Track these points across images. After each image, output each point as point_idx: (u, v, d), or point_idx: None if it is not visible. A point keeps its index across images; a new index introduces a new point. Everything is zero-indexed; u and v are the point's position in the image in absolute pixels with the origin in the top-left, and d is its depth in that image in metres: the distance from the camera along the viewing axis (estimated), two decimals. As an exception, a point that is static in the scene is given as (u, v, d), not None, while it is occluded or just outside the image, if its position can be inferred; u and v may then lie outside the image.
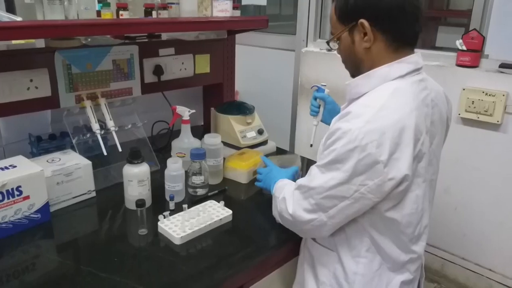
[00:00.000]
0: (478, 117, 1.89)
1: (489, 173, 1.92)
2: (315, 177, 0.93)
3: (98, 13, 1.27)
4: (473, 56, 1.90)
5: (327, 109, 1.37)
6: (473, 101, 1.89)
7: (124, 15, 1.27)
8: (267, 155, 1.51)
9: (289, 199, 1.01)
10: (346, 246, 0.99)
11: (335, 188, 0.90)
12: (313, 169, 0.96)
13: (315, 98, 1.38)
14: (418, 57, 0.96)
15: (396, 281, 1.00)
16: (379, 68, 0.94)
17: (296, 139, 2.68)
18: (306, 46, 2.56)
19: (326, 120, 1.38)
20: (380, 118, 0.86)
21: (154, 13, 1.38)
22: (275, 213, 1.13)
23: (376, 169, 0.86)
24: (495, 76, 1.84)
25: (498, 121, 1.83)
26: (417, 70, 0.95)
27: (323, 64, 2.42)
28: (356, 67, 0.99)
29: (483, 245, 2.01)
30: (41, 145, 1.42)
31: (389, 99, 0.89)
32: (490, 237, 1.98)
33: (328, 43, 1.02)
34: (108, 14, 1.24)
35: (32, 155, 1.41)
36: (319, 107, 1.38)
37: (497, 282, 1.99)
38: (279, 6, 3.37)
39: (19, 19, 1.07)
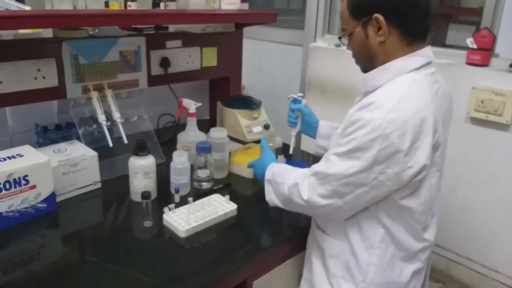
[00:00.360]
0: (487, 117, 1.86)
1: (497, 173, 1.90)
2: (334, 164, 0.94)
3: (106, 4, 1.26)
4: (483, 55, 1.88)
5: (305, 120, 1.38)
6: (482, 101, 1.86)
7: (132, 6, 1.27)
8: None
9: (303, 185, 1.01)
10: (359, 237, 1.00)
11: (354, 176, 0.91)
12: (331, 156, 0.95)
13: (292, 110, 1.38)
14: (429, 50, 0.98)
15: (408, 271, 1.02)
16: (394, 61, 0.95)
17: (302, 135, 2.66)
18: (315, 41, 2.54)
19: (305, 131, 1.40)
20: (402, 108, 0.87)
21: (162, 4, 1.37)
22: (271, 197, 1.12)
23: (397, 158, 0.87)
24: (506, 75, 1.81)
25: (507, 121, 1.81)
26: (429, 64, 0.97)
27: (332, 59, 2.40)
28: (369, 61, 0.99)
29: (489, 246, 1.99)
30: (48, 135, 1.42)
31: (408, 90, 0.91)
32: (496, 238, 1.96)
33: (340, 38, 1.03)
34: (116, 5, 1.24)
35: (38, 145, 1.41)
36: (297, 118, 1.38)
37: (502, 283, 1.97)
38: (287, 0, 3.34)
39: (27, 8, 1.06)
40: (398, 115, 0.86)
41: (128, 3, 1.25)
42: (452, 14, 2.58)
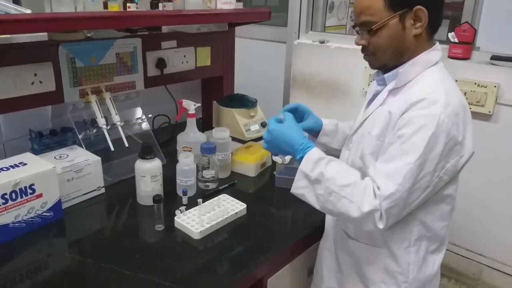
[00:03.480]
0: (470, 108, 1.92)
1: (480, 162, 1.98)
2: (406, 177, 0.87)
3: (105, 5, 1.23)
4: (465, 48, 1.95)
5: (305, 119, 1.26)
6: (465, 92, 1.93)
7: (132, 7, 1.24)
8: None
9: (377, 214, 0.89)
10: (396, 239, 0.99)
11: (423, 179, 0.88)
12: (399, 171, 0.87)
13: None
14: (439, 45, 0.99)
15: (438, 261, 1.04)
16: (421, 55, 0.96)
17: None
18: (298, 38, 2.56)
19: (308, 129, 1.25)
20: (452, 100, 0.89)
21: (160, 5, 1.35)
22: (299, 192, 0.98)
23: (455, 150, 0.90)
24: (487, 68, 1.89)
25: (489, 112, 1.89)
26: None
27: (316, 56, 2.42)
28: (399, 55, 0.97)
29: (474, 231, 2.08)
30: (43, 141, 1.38)
31: (445, 82, 0.93)
32: (480, 224, 2.05)
33: (369, 31, 0.94)
34: (115, 7, 1.21)
35: (33, 151, 1.37)
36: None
37: (487, 266, 2.06)
38: (264, -2, 3.34)
39: (28, 11, 1.03)
40: (452, 108, 0.88)
41: (128, 4, 1.23)
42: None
